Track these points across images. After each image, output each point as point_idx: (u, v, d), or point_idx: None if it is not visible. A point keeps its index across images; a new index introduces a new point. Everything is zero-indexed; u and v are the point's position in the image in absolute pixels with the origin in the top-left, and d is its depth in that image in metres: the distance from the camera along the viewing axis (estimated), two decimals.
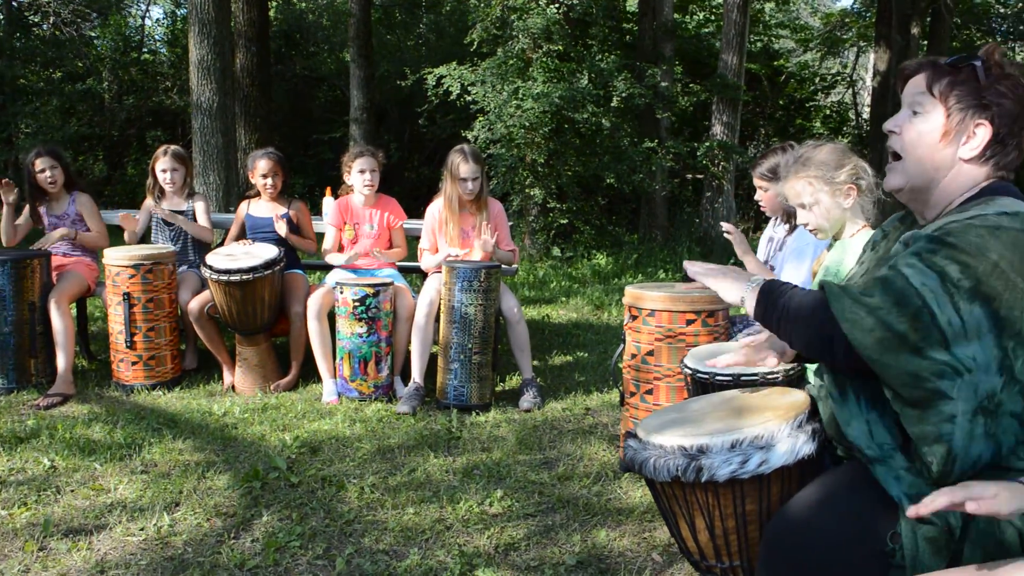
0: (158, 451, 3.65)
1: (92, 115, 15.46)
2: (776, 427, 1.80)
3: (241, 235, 5.06)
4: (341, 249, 4.94)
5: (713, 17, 16.50)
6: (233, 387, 4.68)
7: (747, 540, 1.86)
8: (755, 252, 3.78)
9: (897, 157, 1.77)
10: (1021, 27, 18.55)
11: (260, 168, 4.95)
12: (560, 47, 9.91)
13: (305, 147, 15.98)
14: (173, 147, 5.13)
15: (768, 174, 3.66)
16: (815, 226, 2.86)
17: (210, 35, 8.59)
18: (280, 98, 15.56)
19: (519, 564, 2.74)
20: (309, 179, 14.89)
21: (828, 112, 19.23)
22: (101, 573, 2.65)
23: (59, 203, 4.94)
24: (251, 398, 4.50)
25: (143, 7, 18.99)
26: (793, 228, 3.61)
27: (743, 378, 2.54)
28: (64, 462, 3.50)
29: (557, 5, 9.70)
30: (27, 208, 4.93)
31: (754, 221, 14.19)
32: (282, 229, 4.82)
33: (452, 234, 4.71)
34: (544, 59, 9.77)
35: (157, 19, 24.31)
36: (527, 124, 9.40)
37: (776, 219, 3.83)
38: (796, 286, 1.78)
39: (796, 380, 2.48)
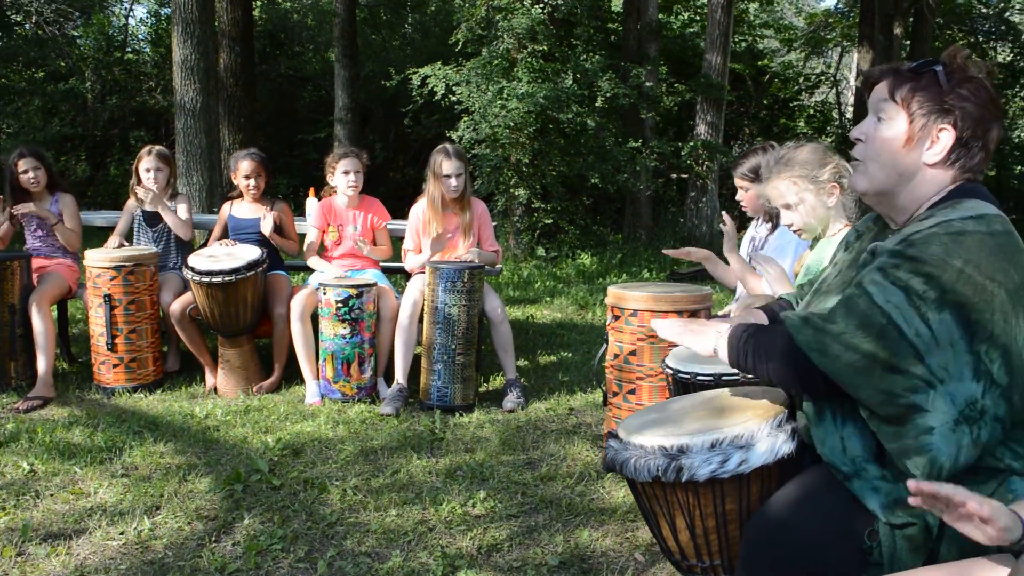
0: (139, 454, 3.63)
1: (75, 115, 15.36)
2: (756, 427, 1.80)
3: (224, 236, 5.03)
4: (325, 250, 4.93)
5: (698, 17, 16.54)
6: (215, 389, 4.66)
7: (727, 539, 1.87)
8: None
9: (863, 163, 1.78)
10: (1003, 27, 18.67)
11: (243, 169, 4.93)
12: (545, 47, 9.92)
13: (290, 147, 15.93)
14: (157, 147, 5.09)
15: (749, 174, 3.67)
16: (800, 226, 2.87)
17: (194, 35, 8.55)
18: (264, 98, 15.50)
19: (502, 565, 2.73)
20: (294, 179, 14.84)
21: (812, 112, 19.31)
22: None
23: (41, 203, 4.90)
24: (233, 400, 4.48)
25: (126, 6, 18.88)
26: (774, 228, 3.62)
27: (724, 378, 2.54)
28: (44, 466, 3.48)
29: (542, 5, 9.70)
30: (7, 210, 4.88)
31: (738, 221, 14.22)
32: (267, 227, 4.78)
33: (435, 234, 4.70)
34: (529, 59, 9.78)
35: (141, 18, 24.21)
36: (512, 124, 9.40)
37: (758, 219, 3.84)
38: (760, 326, 1.81)
39: None
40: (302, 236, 5.11)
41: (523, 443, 3.87)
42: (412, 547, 2.84)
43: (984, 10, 18.58)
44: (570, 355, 5.63)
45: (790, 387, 1.75)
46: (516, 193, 9.98)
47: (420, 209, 4.77)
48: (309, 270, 5.17)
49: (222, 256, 4.57)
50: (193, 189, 8.56)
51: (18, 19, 15.89)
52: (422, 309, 4.47)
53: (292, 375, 4.76)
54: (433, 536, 2.92)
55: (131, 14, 19.19)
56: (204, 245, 5.17)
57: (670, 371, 2.81)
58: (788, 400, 1.92)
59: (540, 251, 10.31)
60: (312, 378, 4.51)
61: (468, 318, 4.30)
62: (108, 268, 4.45)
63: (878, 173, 1.74)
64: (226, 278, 4.37)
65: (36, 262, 4.84)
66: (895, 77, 1.73)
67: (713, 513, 1.83)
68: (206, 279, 4.36)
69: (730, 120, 15.63)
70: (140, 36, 19.01)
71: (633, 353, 3.57)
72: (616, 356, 3.65)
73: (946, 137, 1.67)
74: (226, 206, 5.10)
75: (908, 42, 15.81)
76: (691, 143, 11.39)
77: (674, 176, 13.02)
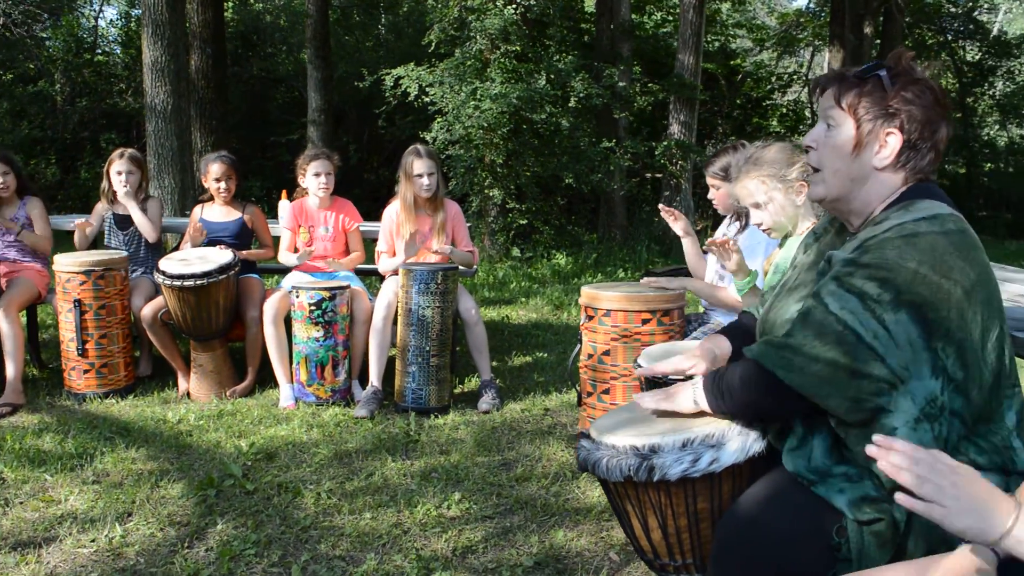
0: (110, 460, 3.59)
1: (44, 118, 15.19)
2: (727, 426, 1.81)
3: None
4: (296, 251, 4.90)
5: (670, 17, 16.60)
6: (188, 394, 4.62)
7: (699, 538, 1.87)
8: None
9: (817, 170, 1.79)
10: (971, 26, 18.92)
11: (213, 172, 4.89)
12: (518, 48, 9.92)
13: (263, 149, 15.83)
14: (129, 150, 5.05)
15: (720, 173, 3.70)
16: (769, 225, 2.89)
17: (164, 36, 8.48)
18: (237, 100, 15.40)
19: (477, 567, 2.73)
20: (267, 181, 14.75)
21: (784, 111, 19.46)
22: None
23: (9, 208, 4.84)
24: (206, 405, 4.45)
25: (95, 8, 18.68)
26: (744, 227, 3.65)
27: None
28: (13, 473, 3.43)
29: (514, 6, 9.70)
30: None
31: (712, 219, 14.31)
32: (226, 256, 4.61)
33: (408, 234, 4.68)
34: (502, 60, 9.77)
35: (111, 20, 23.93)
36: (485, 125, 9.39)
37: (730, 217, 3.87)
38: (727, 366, 1.85)
39: None
40: (277, 239, 5.08)
41: (498, 444, 3.87)
42: (387, 550, 2.84)
43: (953, 9, 18.81)
44: (545, 355, 5.64)
45: (769, 413, 1.76)
46: (490, 194, 9.97)
47: (393, 211, 4.76)
48: (282, 272, 5.14)
49: (194, 259, 4.53)
50: (165, 192, 8.48)
51: None
52: (396, 311, 4.46)
53: (266, 379, 4.73)
54: (408, 539, 2.92)
55: (101, 15, 19.01)
56: (176, 249, 5.13)
57: (642, 371, 2.82)
58: None
59: (515, 252, 10.31)
60: (286, 381, 4.48)
61: (442, 320, 4.29)
62: (78, 273, 4.40)
63: (832, 180, 1.76)
64: (198, 281, 4.33)
65: (5, 267, 4.77)
66: (840, 84, 1.74)
67: (685, 512, 1.84)
68: (178, 283, 4.33)
69: (703, 119, 15.71)
70: (111, 37, 18.85)
71: (607, 353, 3.57)
72: (590, 356, 3.66)
73: (894, 141, 1.69)
74: (197, 209, 5.06)
75: (878, 41, 15.98)
76: (664, 143, 11.43)
77: (648, 176, 13.06)
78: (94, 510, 3.11)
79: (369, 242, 5.14)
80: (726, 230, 3.92)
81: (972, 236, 1.63)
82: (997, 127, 20.38)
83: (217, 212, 4.98)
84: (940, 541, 1.56)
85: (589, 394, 3.69)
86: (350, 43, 17.62)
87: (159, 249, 5.08)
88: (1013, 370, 1.68)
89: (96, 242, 5.15)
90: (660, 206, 3.76)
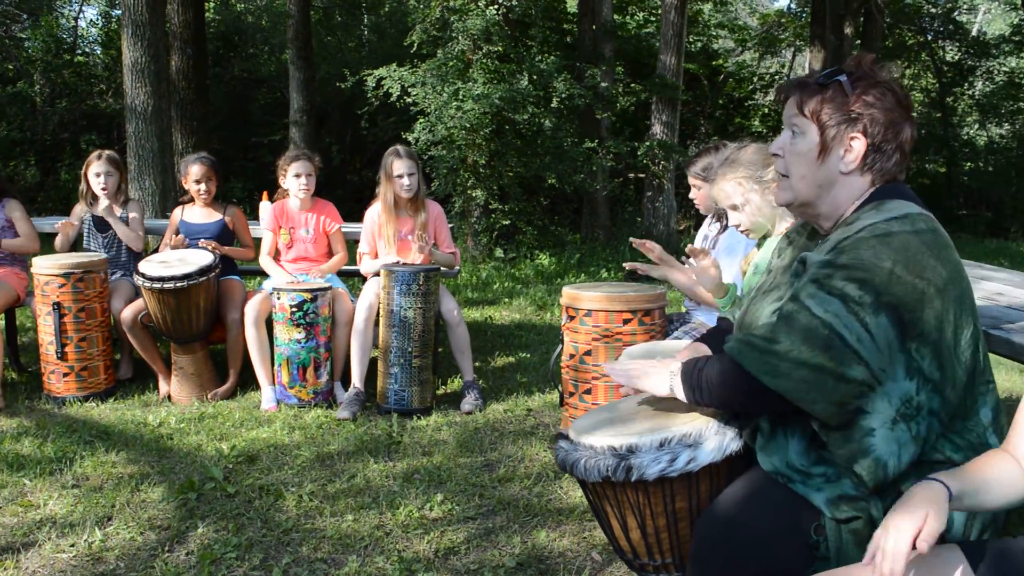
0: (90, 464, 3.57)
1: (23, 119, 15.04)
2: (704, 425, 1.82)
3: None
4: (278, 254, 4.89)
5: (653, 18, 16.64)
6: (169, 397, 4.59)
7: (678, 537, 1.88)
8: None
9: (785, 176, 1.80)
10: (950, 26, 19.06)
11: (193, 173, 4.87)
12: (500, 48, 9.91)
13: (245, 150, 15.75)
14: (107, 152, 5.01)
15: (702, 173, 3.71)
16: (747, 226, 2.90)
17: (144, 37, 8.42)
18: (218, 101, 15.32)
19: (459, 568, 2.73)
20: (249, 183, 14.67)
21: (766, 111, 19.52)
22: None
23: None
24: (188, 407, 4.43)
25: (75, 8, 18.55)
26: (724, 227, 3.66)
27: None
28: None
29: (497, 6, 9.71)
30: None
31: (695, 219, 14.36)
32: (206, 258, 4.58)
33: (389, 235, 4.68)
34: (484, 60, 9.77)
35: (91, 20, 23.77)
36: (468, 125, 9.38)
37: (710, 217, 3.88)
38: (707, 358, 1.82)
39: None
40: (258, 240, 5.07)
41: (481, 445, 3.88)
42: (369, 552, 2.83)
43: (932, 10, 18.95)
44: (528, 356, 5.64)
45: (747, 410, 1.76)
46: (473, 194, 9.97)
47: (375, 212, 4.75)
48: (263, 274, 5.13)
49: (174, 262, 4.51)
50: (145, 194, 8.42)
51: None
52: (378, 312, 4.45)
53: (247, 381, 4.71)
54: (390, 540, 2.91)
55: (81, 16, 18.85)
56: (156, 251, 5.10)
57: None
58: None
59: (498, 252, 10.31)
60: (267, 383, 4.47)
61: (424, 321, 4.29)
62: (57, 275, 4.37)
63: (798, 185, 1.77)
64: (178, 284, 4.31)
65: None
66: (802, 91, 1.76)
67: (663, 512, 1.85)
68: (158, 285, 4.30)
69: (686, 120, 15.76)
70: (91, 38, 18.70)
71: (588, 353, 3.58)
72: (572, 356, 3.66)
73: (858, 145, 1.71)
74: (177, 211, 5.03)
75: (859, 41, 16.08)
76: (647, 143, 11.45)
77: (631, 176, 13.09)
78: (74, 514, 3.09)
79: (352, 243, 5.13)
80: (707, 230, 3.93)
81: (943, 235, 1.65)
82: (977, 126, 20.54)
83: (198, 214, 4.95)
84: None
85: (571, 394, 3.70)
86: (332, 44, 17.55)
87: (139, 252, 5.05)
88: (987, 367, 1.70)
89: (75, 245, 5.12)
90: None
